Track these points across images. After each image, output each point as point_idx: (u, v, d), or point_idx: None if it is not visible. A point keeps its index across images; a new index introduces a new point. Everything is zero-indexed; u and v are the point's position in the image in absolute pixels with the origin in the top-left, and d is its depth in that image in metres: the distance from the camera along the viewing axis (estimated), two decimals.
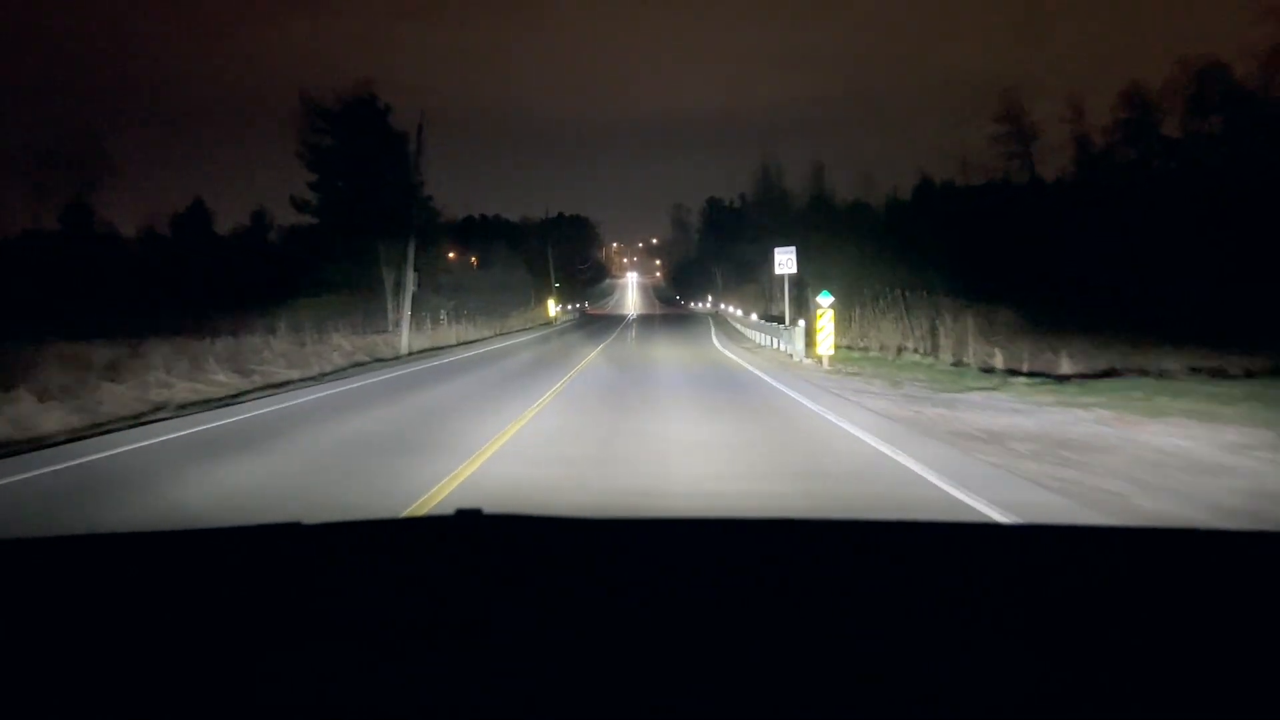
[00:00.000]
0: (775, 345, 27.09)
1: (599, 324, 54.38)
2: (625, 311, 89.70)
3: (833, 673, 1.04)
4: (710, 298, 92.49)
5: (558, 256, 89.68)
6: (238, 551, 1.63)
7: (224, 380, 16.07)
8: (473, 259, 72.69)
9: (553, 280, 71.35)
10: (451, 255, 68.36)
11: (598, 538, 1.71)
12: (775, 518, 1.80)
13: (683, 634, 1.15)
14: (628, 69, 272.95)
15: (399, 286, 31.41)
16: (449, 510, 1.69)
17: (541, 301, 65.89)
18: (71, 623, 1.23)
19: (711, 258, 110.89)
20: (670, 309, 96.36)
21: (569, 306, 77.75)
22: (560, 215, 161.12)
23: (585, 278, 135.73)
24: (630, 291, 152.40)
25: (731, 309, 57.19)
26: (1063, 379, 14.44)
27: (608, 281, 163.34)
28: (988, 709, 0.96)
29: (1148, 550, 1.59)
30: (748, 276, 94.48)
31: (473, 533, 1.64)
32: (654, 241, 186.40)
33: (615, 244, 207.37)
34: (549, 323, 57.44)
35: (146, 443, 9.71)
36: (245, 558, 1.57)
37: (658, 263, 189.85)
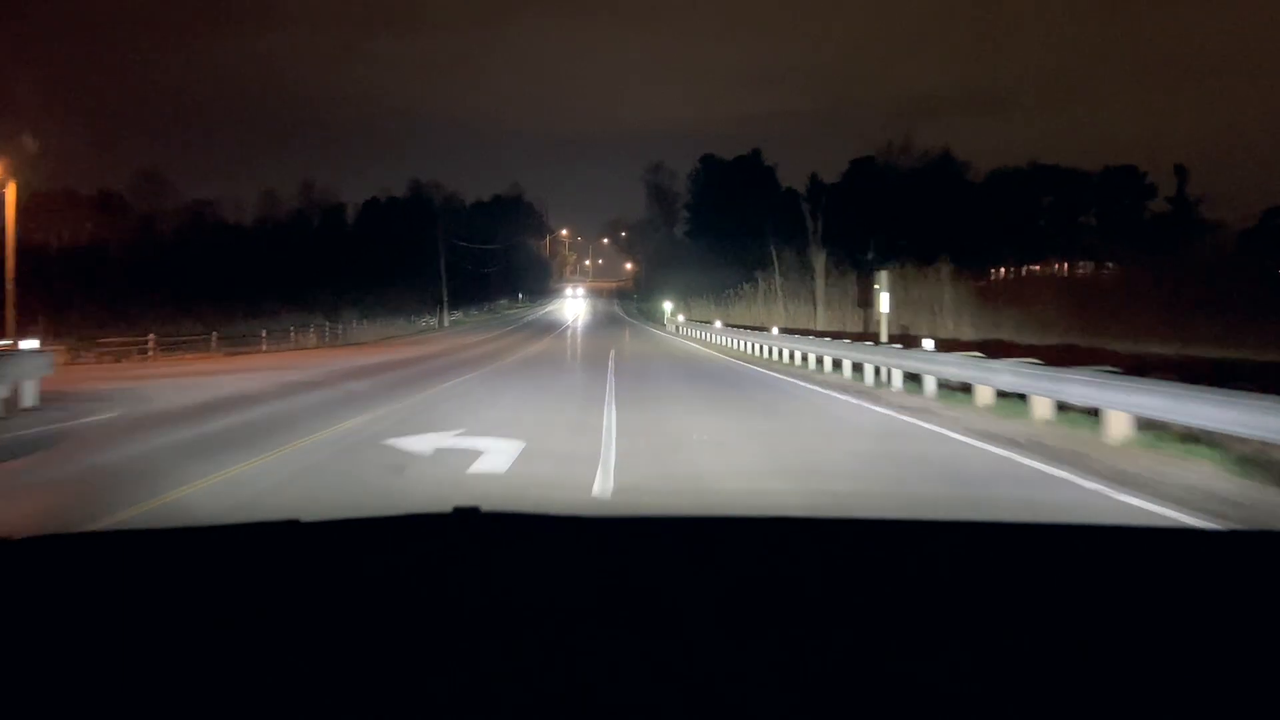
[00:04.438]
0: None
1: None
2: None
3: (845, 688, 1.00)
4: (889, 296, 41.49)
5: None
6: (235, 549, 1.61)
7: None
8: None
9: None
10: None
11: (599, 535, 1.68)
12: (782, 516, 1.70)
13: (684, 636, 1.12)
14: (599, 84, 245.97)
15: None
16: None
17: None
18: (60, 625, 1.19)
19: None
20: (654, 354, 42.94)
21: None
22: (498, 197, 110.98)
23: (492, 270, 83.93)
24: (572, 307, 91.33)
25: None
26: None
27: (519, 304, 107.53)
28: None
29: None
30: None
31: (470, 530, 1.60)
32: (623, 235, 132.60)
33: (565, 231, 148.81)
34: None
35: None
36: (243, 556, 1.55)
37: (629, 266, 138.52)
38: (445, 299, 57.61)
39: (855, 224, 58.84)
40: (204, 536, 1.70)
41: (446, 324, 57.32)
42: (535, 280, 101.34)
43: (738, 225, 67.95)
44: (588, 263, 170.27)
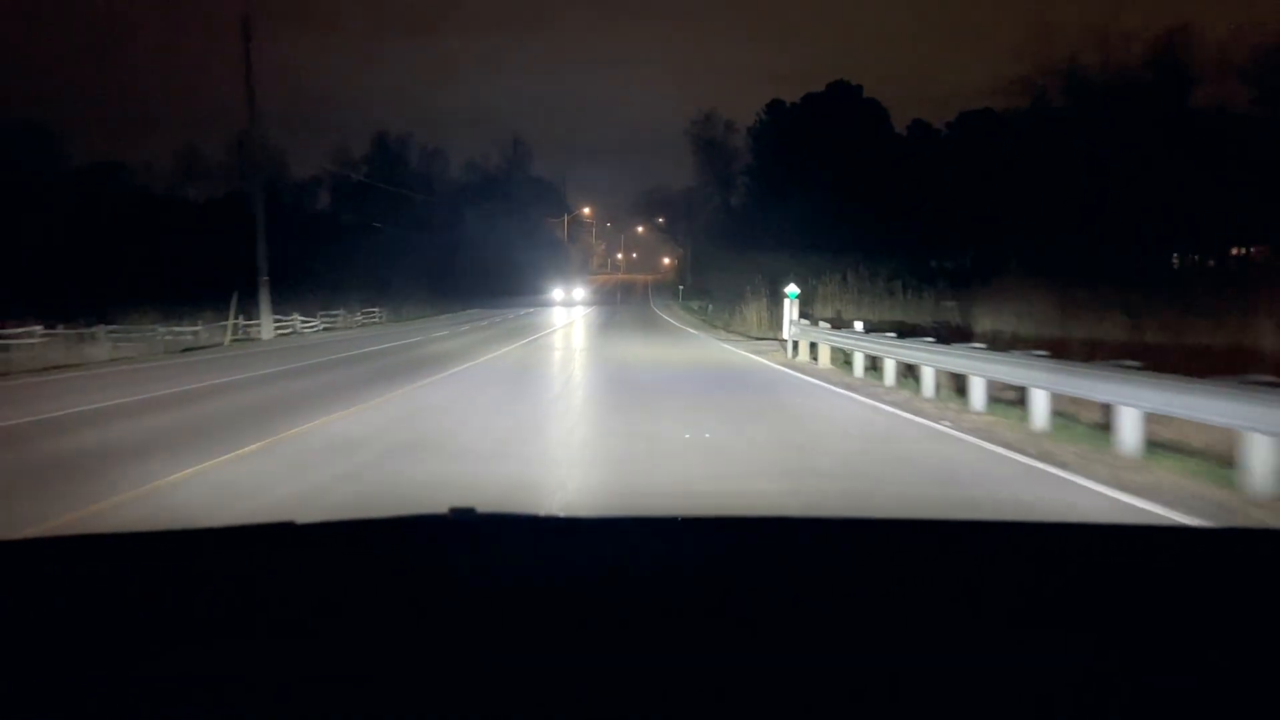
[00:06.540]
0: None
1: None
2: None
3: (830, 688, 1.00)
4: None
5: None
6: (229, 552, 1.58)
7: None
8: None
9: None
10: None
11: (597, 536, 1.66)
12: (774, 516, 1.70)
13: (680, 637, 1.12)
14: (621, 81, 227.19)
15: None
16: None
17: None
18: (45, 630, 1.18)
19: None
20: None
21: None
22: (516, 168, 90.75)
23: (474, 255, 62.11)
24: (563, 315, 62.04)
25: None
26: None
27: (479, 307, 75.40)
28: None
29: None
30: None
31: (468, 530, 1.62)
32: (660, 221, 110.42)
33: (588, 209, 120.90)
34: None
35: None
36: (238, 558, 1.53)
37: (666, 261, 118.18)
38: (266, 284, 30.20)
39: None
40: (199, 538, 1.65)
41: (271, 333, 30.88)
42: (553, 269, 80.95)
43: (829, 184, 48.06)
44: (620, 255, 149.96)
